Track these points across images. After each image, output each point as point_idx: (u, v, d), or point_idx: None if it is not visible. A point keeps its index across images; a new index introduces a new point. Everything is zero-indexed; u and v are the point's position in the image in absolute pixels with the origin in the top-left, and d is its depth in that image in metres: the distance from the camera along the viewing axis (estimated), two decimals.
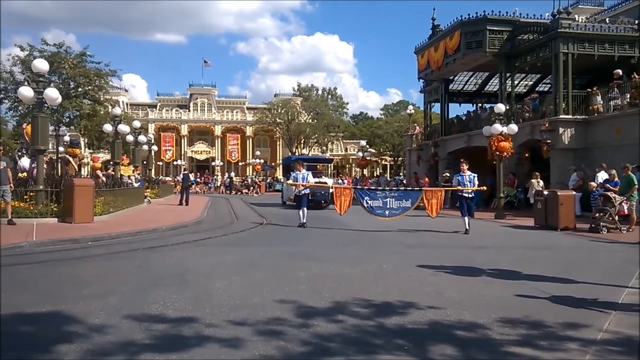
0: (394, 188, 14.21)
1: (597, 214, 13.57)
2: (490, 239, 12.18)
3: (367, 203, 13.83)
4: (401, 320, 4.90)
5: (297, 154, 61.62)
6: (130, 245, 10.34)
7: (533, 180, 19.43)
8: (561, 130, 20.12)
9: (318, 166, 27.45)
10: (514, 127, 18.34)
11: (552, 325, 4.79)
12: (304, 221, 14.17)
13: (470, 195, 13.44)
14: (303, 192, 14.65)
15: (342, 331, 4.53)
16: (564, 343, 4.34)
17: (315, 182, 19.27)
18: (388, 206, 13.74)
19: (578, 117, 20.17)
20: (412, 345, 4.20)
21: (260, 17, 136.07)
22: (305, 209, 14.46)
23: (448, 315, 5.08)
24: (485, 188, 14.97)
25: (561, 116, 20.23)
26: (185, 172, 27.47)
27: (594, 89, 20.26)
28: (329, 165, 35.47)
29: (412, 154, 33.75)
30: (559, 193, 14.52)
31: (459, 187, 13.52)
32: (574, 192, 15.50)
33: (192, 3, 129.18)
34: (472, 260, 8.49)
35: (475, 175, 13.54)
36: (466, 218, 12.99)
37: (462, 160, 14.16)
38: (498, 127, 17.83)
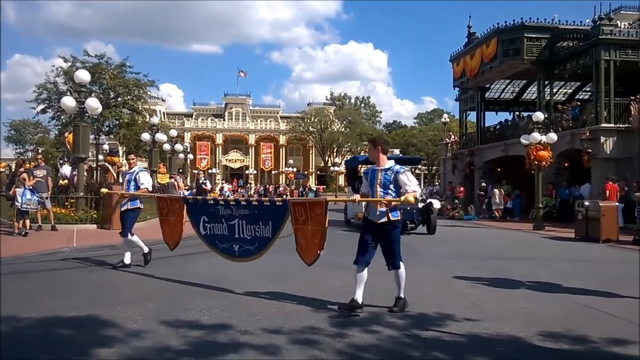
0: (242, 200, 7.61)
1: None
2: (529, 251, 11.83)
3: (206, 227, 7.17)
4: (438, 332, 4.80)
5: (329, 162, 61.75)
6: (166, 252, 10.46)
7: (496, 190, 18.12)
8: (603, 139, 19.53)
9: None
10: (553, 136, 17.91)
11: (595, 340, 4.61)
12: (127, 261, 8.25)
13: (385, 220, 5.52)
14: (126, 206, 8.66)
15: (378, 342, 4.47)
16: (608, 359, 4.17)
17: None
18: (237, 235, 6.87)
19: (620, 125, 19.55)
20: (449, 357, 4.11)
21: (294, 27, 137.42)
22: (131, 236, 8.43)
23: (487, 328, 4.95)
24: (420, 199, 6.58)
25: (602, 125, 19.66)
26: (201, 181, 22.31)
27: (638, 96, 19.63)
28: (419, 166, 27.77)
29: (447, 163, 33.33)
30: (600, 204, 14.07)
31: (356, 198, 6.18)
32: (617, 203, 15.01)
33: (228, 13, 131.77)
34: (510, 272, 8.29)
35: (406, 169, 5.74)
36: (394, 271, 5.69)
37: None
38: (537, 136, 17.44)
